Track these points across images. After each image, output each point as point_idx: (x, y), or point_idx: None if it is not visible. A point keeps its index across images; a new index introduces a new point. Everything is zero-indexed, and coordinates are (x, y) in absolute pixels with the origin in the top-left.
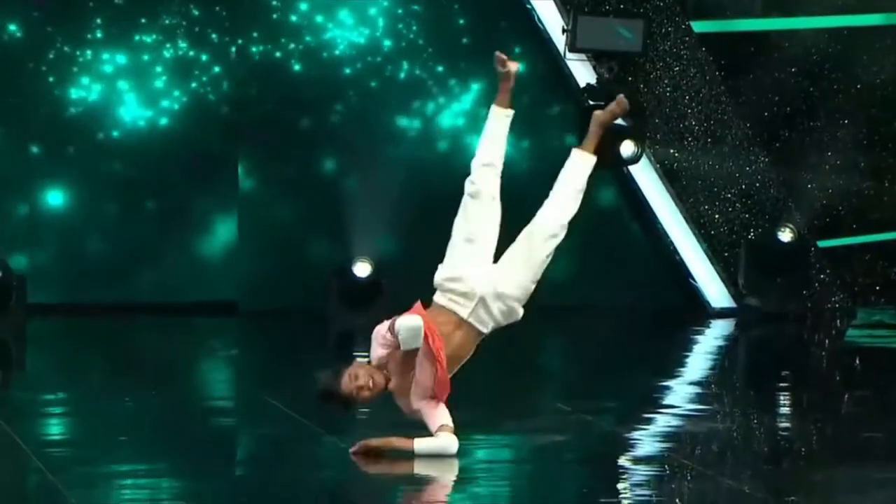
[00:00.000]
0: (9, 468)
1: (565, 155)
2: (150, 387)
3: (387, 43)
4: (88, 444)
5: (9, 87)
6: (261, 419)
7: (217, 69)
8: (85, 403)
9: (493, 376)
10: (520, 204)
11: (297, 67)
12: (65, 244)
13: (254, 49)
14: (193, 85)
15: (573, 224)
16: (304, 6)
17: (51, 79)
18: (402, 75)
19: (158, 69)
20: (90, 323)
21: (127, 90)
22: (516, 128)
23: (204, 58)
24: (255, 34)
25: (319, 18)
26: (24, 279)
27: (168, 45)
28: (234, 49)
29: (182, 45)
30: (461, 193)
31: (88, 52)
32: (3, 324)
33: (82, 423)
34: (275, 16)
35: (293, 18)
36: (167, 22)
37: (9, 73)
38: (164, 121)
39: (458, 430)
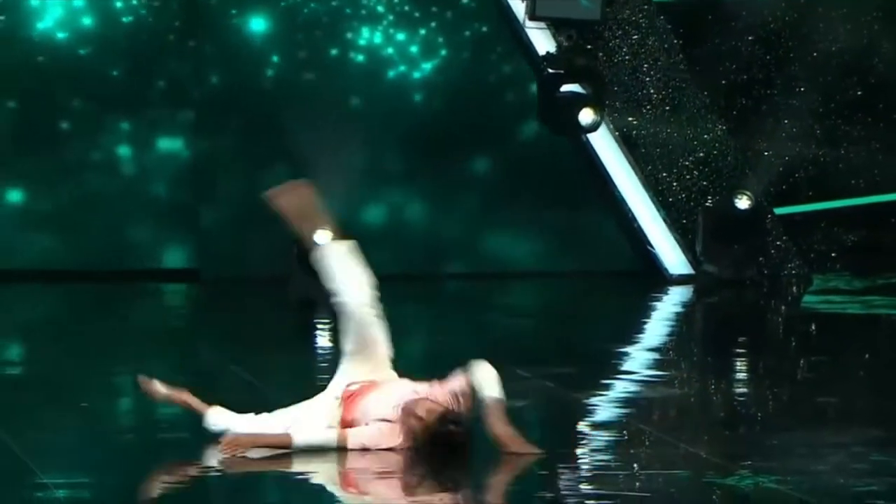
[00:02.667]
0: None
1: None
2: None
3: (348, 11)
4: (49, 409)
5: None
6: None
7: None
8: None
9: (449, 341)
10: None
11: None
12: None
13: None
14: None
15: (534, 191)
16: None
17: None
18: (362, 42)
19: None
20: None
21: None
22: (477, 89)
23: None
24: None
25: None
26: None
27: None
28: None
29: None
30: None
31: None
32: None
33: (40, 389)
34: None
35: None
36: None
37: None
38: None
39: None
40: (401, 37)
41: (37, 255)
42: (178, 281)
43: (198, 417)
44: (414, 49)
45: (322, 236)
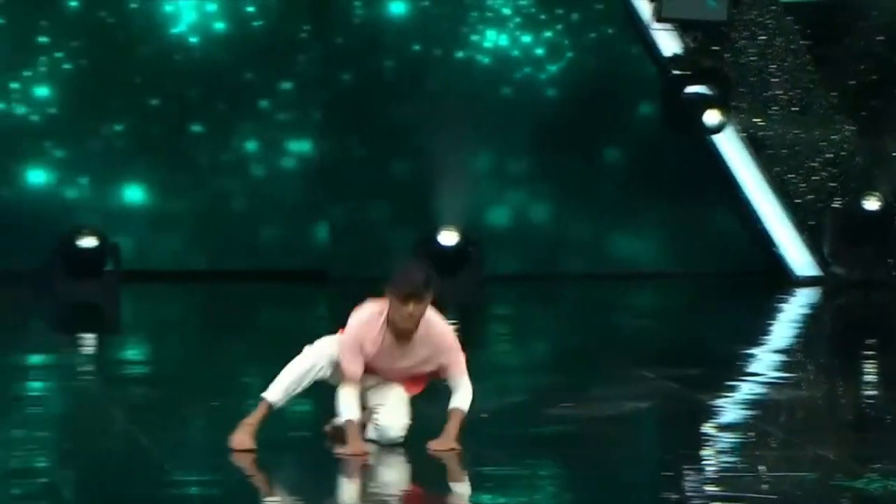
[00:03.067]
0: (101, 431)
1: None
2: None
3: (473, 15)
4: (179, 407)
5: None
6: None
7: None
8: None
9: (577, 343)
10: None
11: None
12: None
13: None
14: None
15: (657, 193)
16: None
17: None
18: (488, 44)
19: None
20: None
21: None
22: (601, 91)
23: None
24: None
25: None
26: (117, 247)
27: None
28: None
29: None
30: None
31: None
32: (97, 288)
33: (172, 388)
34: None
35: None
36: None
37: None
38: None
39: (547, 396)
40: (526, 39)
41: (169, 255)
42: (307, 281)
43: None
44: (540, 51)
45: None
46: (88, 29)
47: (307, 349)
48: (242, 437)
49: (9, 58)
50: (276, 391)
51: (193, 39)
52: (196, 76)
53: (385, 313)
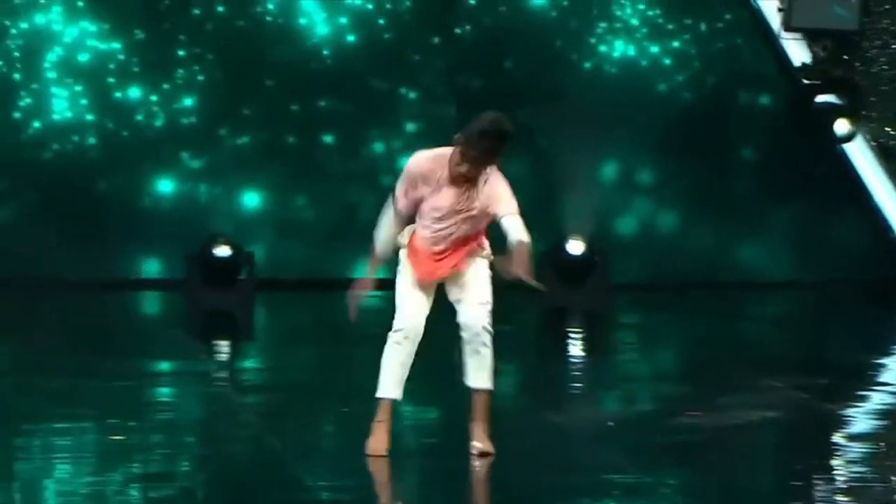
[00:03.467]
0: (235, 437)
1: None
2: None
3: (603, 25)
4: (311, 413)
5: None
6: None
7: None
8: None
9: (706, 351)
10: None
11: None
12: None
13: None
14: None
15: (788, 202)
16: None
17: None
18: (616, 54)
19: None
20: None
21: None
22: (729, 101)
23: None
24: None
25: None
26: (252, 256)
27: None
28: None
29: None
30: None
31: None
32: (232, 296)
33: (302, 393)
34: None
35: None
36: None
37: None
38: None
39: (675, 405)
40: (654, 49)
41: (298, 263)
42: None
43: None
44: (667, 61)
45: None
46: (224, 41)
47: (391, 336)
48: (378, 443)
49: (148, 71)
50: (390, 387)
51: (326, 51)
52: (327, 86)
53: (452, 154)
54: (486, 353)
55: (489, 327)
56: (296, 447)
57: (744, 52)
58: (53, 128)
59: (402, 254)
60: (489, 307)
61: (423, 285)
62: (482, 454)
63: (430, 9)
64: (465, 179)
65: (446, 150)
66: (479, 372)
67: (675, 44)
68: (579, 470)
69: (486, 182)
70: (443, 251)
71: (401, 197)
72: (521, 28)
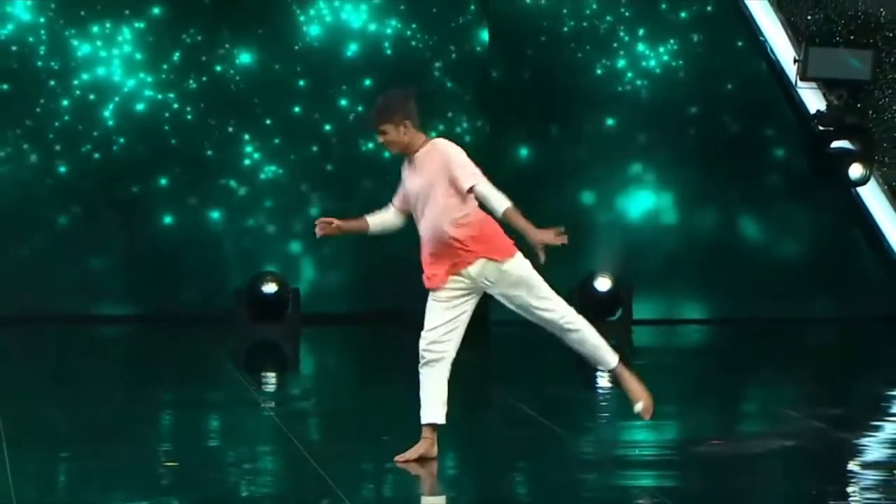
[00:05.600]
0: (284, 461)
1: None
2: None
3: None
4: (354, 441)
5: None
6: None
7: None
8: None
9: (726, 382)
10: None
11: None
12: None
13: None
14: None
15: (803, 239)
16: None
17: None
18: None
19: None
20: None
21: None
22: (746, 151)
23: None
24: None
25: None
26: (297, 291)
27: None
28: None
29: None
30: None
31: None
32: (280, 330)
33: (346, 422)
34: None
35: None
36: None
37: None
38: None
39: (694, 435)
40: (676, 96)
41: (341, 298)
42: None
43: None
44: (693, 109)
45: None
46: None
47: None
48: (413, 454)
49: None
50: (424, 411)
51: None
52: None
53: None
54: (581, 336)
55: (563, 314)
56: (339, 473)
57: (762, 99)
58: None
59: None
60: (544, 298)
61: (444, 301)
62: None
63: None
64: (408, 161)
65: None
66: (594, 354)
67: (697, 92)
68: (603, 493)
69: (427, 155)
70: (432, 253)
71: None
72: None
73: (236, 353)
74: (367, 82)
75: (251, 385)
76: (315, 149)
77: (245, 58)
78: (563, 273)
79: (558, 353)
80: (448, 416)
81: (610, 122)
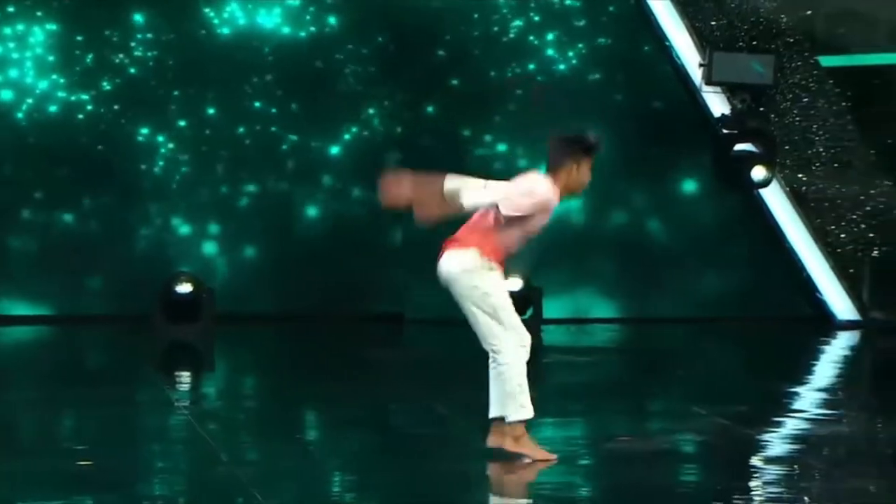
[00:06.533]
0: (199, 461)
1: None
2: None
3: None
4: (269, 440)
5: None
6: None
7: None
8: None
9: (635, 382)
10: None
11: None
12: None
13: None
14: None
15: (708, 240)
16: None
17: None
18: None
19: None
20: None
21: None
22: (652, 154)
23: None
24: None
25: None
26: (213, 290)
27: None
28: None
29: None
30: None
31: None
32: (195, 330)
33: (260, 421)
34: None
35: None
36: None
37: None
38: None
39: (602, 433)
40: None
41: (259, 299)
42: (386, 323)
43: None
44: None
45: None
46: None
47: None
48: (540, 452)
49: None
50: (523, 408)
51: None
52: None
53: (562, 178)
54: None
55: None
56: (255, 472)
57: (668, 103)
58: None
59: (483, 262)
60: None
61: None
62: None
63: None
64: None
65: (548, 177)
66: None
67: (605, 97)
68: (511, 489)
69: None
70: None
71: (514, 211)
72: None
73: (151, 354)
74: (278, 89)
75: (166, 385)
76: (228, 150)
77: (159, 57)
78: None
79: (474, 352)
80: (360, 412)
81: (519, 124)
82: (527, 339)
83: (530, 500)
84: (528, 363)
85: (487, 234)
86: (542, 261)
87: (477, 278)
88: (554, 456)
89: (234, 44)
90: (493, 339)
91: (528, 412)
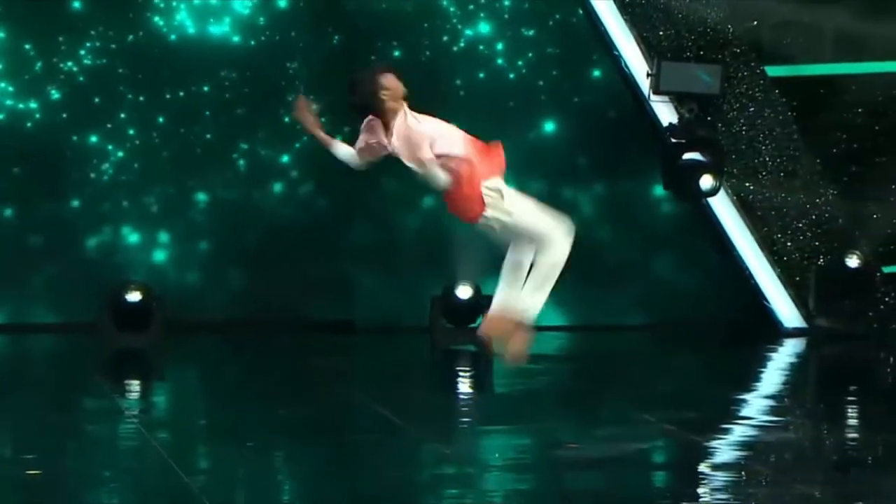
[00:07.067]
0: (148, 469)
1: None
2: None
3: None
4: (219, 448)
5: None
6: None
7: None
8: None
9: (584, 389)
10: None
11: None
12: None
13: None
14: None
15: (657, 253)
16: None
17: None
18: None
19: None
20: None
21: None
22: (601, 162)
23: None
24: None
25: None
26: (162, 298)
27: None
28: None
29: None
30: None
31: None
32: (145, 339)
33: (211, 430)
34: None
35: None
36: None
37: None
38: None
39: (552, 437)
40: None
41: (210, 306)
42: (340, 331)
43: None
44: (546, 123)
45: None
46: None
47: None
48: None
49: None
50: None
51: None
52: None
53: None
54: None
55: None
56: (206, 480)
57: (613, 111)
58: None
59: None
60: None
61: None
62: None
63: None
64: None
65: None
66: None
67: (544, 98)
68: (463, 496)
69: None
70: None
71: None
72: None
73: (100, 363)
74: (227, 94)
75: (115, 394)
76: (179, 157)
77: (109, 64)
78: (425, 282)
79: (420, 359)
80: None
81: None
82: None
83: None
84: (479, 370)
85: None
86: (489, 268)
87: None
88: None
89: (184, 50)
90: (545, 229)
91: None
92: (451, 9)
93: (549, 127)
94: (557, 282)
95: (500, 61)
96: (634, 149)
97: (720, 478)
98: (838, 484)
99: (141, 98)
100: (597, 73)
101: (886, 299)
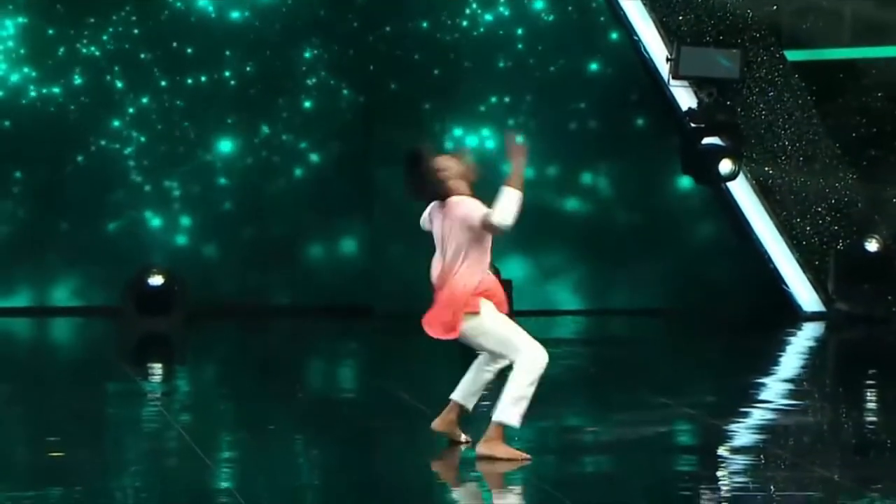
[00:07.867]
0: (171, 452)
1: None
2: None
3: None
4: (241, 431)
5: None
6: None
7: None
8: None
9: (603, 373)
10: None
11: None
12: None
13: None
14: None
15: (677, 237)
16: None
17: None
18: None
19: None
20: None
21: None
22: (620, 146)
23: None
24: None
25: None
26: (184, 282)
27: None
28: None
29: None
30: None
31: None
32: (167, 322)
33: (232, 412)
34: None
35: None
36: None
37: None
38: None
39: (574, 422)
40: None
41: (233, 291)
42: (353, 316)
43: None
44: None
45: None
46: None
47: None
48: (514, 451)
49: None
50: (516, 416)
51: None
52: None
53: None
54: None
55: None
56: (228, 463)
57: (637, 97)
58: None
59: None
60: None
61: None
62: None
63: None
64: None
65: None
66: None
67: (574, 90)
68: (484, 480)
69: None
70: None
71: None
72: None
73: (123, 346)
74: (235, 78)
75: (138, 377)
76: (201, 144)
77: (128, 48)
78: None
79: (441, 344)
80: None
81: (487, 111)
82: (545, 353)
83: (500, 490)
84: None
85: (460, 283)
86: (511, 252)
87: (474, 328)
88: (528, 456)
89: (205, 34)
90: (512, 350)
91: (518, 422)
92: None
93: (570, 111)
94: (573, 268)
95: (519, 46)
96: (654, 133)
97: (739, 461)
98: (857, 467)
99: (163, 83)
100: (617, 57)
101: None
